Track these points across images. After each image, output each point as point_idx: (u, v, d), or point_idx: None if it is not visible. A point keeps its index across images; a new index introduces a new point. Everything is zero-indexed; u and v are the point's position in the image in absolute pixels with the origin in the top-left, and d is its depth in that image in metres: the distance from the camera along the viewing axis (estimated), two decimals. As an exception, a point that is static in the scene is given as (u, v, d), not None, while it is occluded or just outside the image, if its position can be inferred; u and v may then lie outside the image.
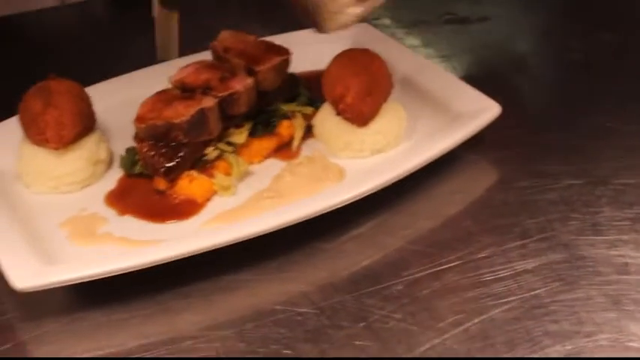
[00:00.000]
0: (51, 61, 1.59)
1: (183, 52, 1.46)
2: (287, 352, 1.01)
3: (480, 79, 1.37)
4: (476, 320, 1.03)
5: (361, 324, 1.03)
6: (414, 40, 1.60)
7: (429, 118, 1.31)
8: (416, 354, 0.99)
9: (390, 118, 1.28)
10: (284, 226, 1.13)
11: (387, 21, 1.67)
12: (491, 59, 1.55)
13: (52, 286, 1.07)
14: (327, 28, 1.15)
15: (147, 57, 1.49)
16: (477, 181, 1.26)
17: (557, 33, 1.62)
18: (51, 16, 1.79)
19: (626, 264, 1.10)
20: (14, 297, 1.08)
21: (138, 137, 1.24)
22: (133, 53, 1.61)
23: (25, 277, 1.06)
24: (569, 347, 0.99)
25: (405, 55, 1.42)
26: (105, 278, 1.07)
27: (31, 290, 1.06)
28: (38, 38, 1.74)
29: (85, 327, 1.07)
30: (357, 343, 1.01)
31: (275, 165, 1.29)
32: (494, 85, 1.40)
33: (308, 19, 1.17)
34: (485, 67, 1.52)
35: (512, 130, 1.32)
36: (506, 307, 1.04)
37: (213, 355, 1.01)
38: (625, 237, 1.13)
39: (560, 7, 1.72)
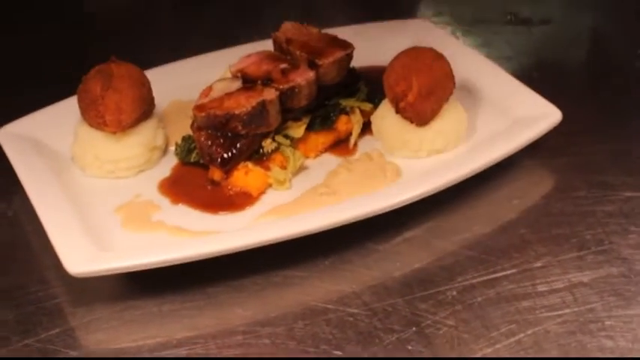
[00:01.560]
0: (113, 42, 1.60)
1: (243, 41, 1.47)
2: (337, 353, 1.01)
3: (541, 82, 1.37)
4: (529, 332, 1.03)
5: (413, 328, 1.04)
6: (474, 39, 1.60)
7: (488, 120, 1.32)
8: (468, 363, 1.00)
9: (451, 118, 1.28)
10: (339, 225, 1.13)
11: (447, 18, 1.67)
12: (552, 62, 1.54)
13: (105, 273, 1.09)
14: None
15: (208, 44, 1.50)
16: (534, 188, 1.26)
17: (620, 38, 1.61)
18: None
19: (686, 281, 1.09)
20: (66, 281, 1.10)
21: (196, 125, 1.26)
22: (195, 39, 1.61)
23: (79, 263, 1.09)
24: (625, 365, 0.99)
25: (465, 55, 1.43)
26: (157, 268, 1.08)
27: (84, 276, 1.08)
28: (101, 19, 1.76)
29: (136, 316, 1.09)
30: (409, 347, 1.01)
31: (330, 160, 1.30)
32: (556, 89, 1.39)
33: None
34: (546, 70, 1.51)
35: (572, 137, 1.32)
36: (560, 319, 1.04)
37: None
38: (687, 253, 1.13)
39: (626, 11, 1.70)
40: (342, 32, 1.39)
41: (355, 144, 1.32)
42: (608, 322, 1.04)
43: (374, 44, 1.44)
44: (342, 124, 1.32)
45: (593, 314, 1.05)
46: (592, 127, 1.37)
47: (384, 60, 1.32)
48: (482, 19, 1.67)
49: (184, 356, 1.03)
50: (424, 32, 1.48)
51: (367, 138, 1.33)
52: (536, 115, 1.28)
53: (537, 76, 1.47)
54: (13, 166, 1.25)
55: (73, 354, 1.04)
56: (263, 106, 1.22)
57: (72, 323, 1.08)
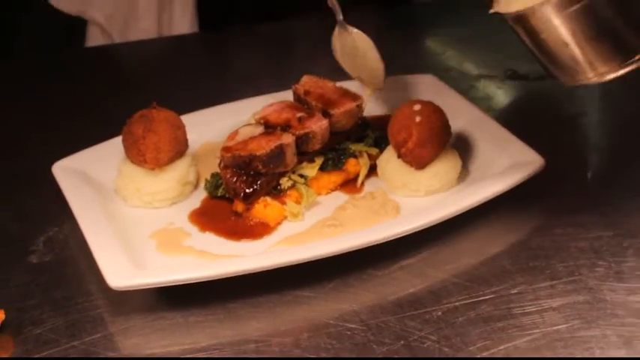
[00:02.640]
0: (150, 90, 1.71)
1: (267, 91, 1.58)
2: None
3: (531, 133, 1.45)
4: (501, 347, 1.13)
5: (401, 342, 1.14)
6: (476, 93, 1.68)
7: (480, 165, 1.41)
8: (446, 373, 1.11)
9: (446, 163, 1.37)
10: (343, 252, 1.24)
11: (454, 73, 1.76)
12: (544, 116, 1.63)
13: (140, 287, 1.19)
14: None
15: (235, 92, 1.62)
16: (518, 226, 1.35)
17: (611, 95, 1.69)
18: (150, 47, 1.94)
19: (642, 309, 1.18)
20: (107, 294, 1.21)
21: (223, 164, 1.34)
22: (222, 87, 1.73)
23: (119, 278, 1.18)
24: (581, 378, 1.10)
25: (464, 108, 1.52)
26: (185, 284, 1.20)
27: (123, 289, 1.19)
28: (138, 67, 1.88)
29: (166, 325, 1.18)
30: (396, 357, 1.13)
31: (340, 197, 1.39)
32: (544, 140, 1.47)
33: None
34: (537, 123, 1.60)
35: (556, 182, 1.41)
36: (529, 337, 1.14)
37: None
38: (645, 285, 1.22)
39: None
40: (356, 86, 1.49)
41: (362, 183, 1.41)
42: (570, 342, 1.13)
43: (384, 96, 1.55)
44: (351, 166, 1.41)
45: (558, 334, 1.15)
46: (574, 174, 1.46)
47: (391, 110, 1.42)
48: (485, 74, 1.76)
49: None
50: (429, 86, 1.58)
51: (373, 179, 1.42)
52: (522, 162, 1.37)
53: (528, 127, 1.53)
54: (65, 195, 1.35)
55: (112, 355, 1.14)
56: (281, 148, 1.32)
57: (111, 330, 1.18)
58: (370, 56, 1.46)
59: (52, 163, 1.42)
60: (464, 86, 1.68)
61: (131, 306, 1.22)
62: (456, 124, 1.46)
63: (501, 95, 1.72)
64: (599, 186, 1.44)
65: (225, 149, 1.35)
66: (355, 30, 1.47)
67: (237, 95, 1.60)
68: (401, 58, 1.82)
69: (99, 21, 2.00)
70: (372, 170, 1.44)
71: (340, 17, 1.45)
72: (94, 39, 2.03)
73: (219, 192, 1.38)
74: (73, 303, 1.23)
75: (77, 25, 2.02)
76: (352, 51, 1.48)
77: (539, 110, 1.67)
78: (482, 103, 1.60)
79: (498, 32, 1.86)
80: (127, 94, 1.72)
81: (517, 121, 1.60)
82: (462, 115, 1.50)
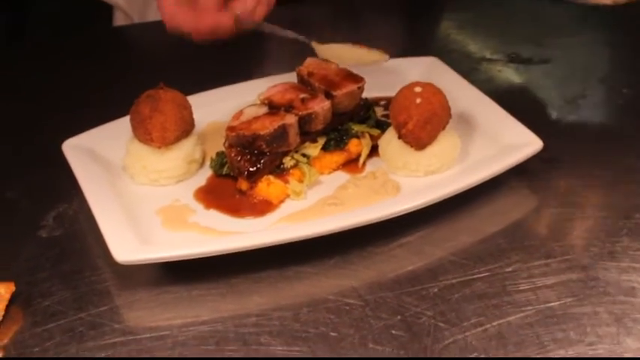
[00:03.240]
0: (159, 69, 1.74)
1: (272, 72, 1.61)
2: (333, 335, 1.16)
3: (531, 115, 1.48)
4: (494, 323, 1.17)
5: (398, 317, 1.18)
6: (479, 75, 1.71)
7: (480, 146, 1.44)
8: (440, 346, 1.14)
9: (445, 144, 1.40)
10: (343, 230, 1.27)
11: (457, 55, 1.79)
12: (545, 98, 1.66)
13: (146, 262, 1.23)
14: None
15: (241, 73, 1.65)
16: (516, 206, 1.38)
17: (612, 78, 1.72)
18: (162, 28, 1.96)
19: (633, 288, 1.21)
20: (114, 268, 1.25)
21: (227, 143, 1.38)
22: (229, 69, 1.75)
23: (125, 252, 1.22)
24: (571, 353, 1.13)
25: (465, 89, 1.55)
26: (189, 259, 1.23)
27: (129, 264, 1.22)
28: (149, 48, 1.91)
29: (170, 299, 1.22)
30: (393, 332, 1.16)
31: (341, 177, 1.42)
32: (543, 122, 1.54)
33: None
34: (538, 105, 1.63)
35: (554, 164, 1.44)
36: (522, 314, 1.18)
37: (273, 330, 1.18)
38: (637, 265, 1.25)
39: (622, 54, 1.83)
40: (361, 67, 1.50)
41: (364, 163, 1.44)
42: (562, 318, 1.17)
43: (388, 78, 1.57)
44: (353, 146, 1.44)
45: (551, 311, 1.18)
46: (572, 156, 1.48)
47: (395, 91, 1.44)
48: (488, 57, 1.79)
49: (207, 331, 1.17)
50: (432, 68, 1.61)
51: (374, 159, 1.45)
52: (520, 143, 1.40)
53: (529, 109, 1.57)
54: (74, 173, 1.38)
55: (117, 327, 1.18)
56: (284, 128, 1.35)
57: (117, 302, 1.22)
58: (356, 55, 1.49)
59: (63, 141, 1.46)
60: (467, 68, 1.70)
61: (137, 280, 1.26)
62: (458, 106, 1.48)
63: (503, 78, 1.74)
64: (595, 167, 1.47)
65: (230, 129, 1.37)
66: (326, 46, 1.52)
67: (243, 77, 1.64)
68: (405, 40, 1.87)
69: (120, 3, 2.02)
70: (374, 150, 1.47)
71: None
72: (119, 22, 2.06)
73: (224, 170, 1.41)
74: (81, 276, 1.26)
75: (104, 9, 2.04)
76: (336, 58, 1.51)
77: (541, 92, 1.70)
78: (485, 85, 1.62)
79: (502, 16, 1.93)
80: (137, 74, 1.75)
81: (518, 103, 1.62)
82: (463, 97, 1.53)
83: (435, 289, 1.23)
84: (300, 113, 1.39)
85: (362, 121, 1.49)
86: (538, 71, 1.75)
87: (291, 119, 1.38)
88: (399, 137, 1.40)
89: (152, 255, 1.24)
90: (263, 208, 1.37)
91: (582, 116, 1.62)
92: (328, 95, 1.43)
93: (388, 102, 1.49)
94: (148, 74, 1.60)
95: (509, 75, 1.75)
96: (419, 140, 1.39)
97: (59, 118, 1.61)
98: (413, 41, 1.87)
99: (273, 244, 1.25)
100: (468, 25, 1.95)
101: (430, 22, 2.00)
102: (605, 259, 1.27)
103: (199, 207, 1.37)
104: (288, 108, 1.40)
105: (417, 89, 1.41)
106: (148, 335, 1.18)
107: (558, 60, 1.79)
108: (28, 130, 1.62)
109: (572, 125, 1.60)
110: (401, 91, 1.43)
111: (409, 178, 1.41)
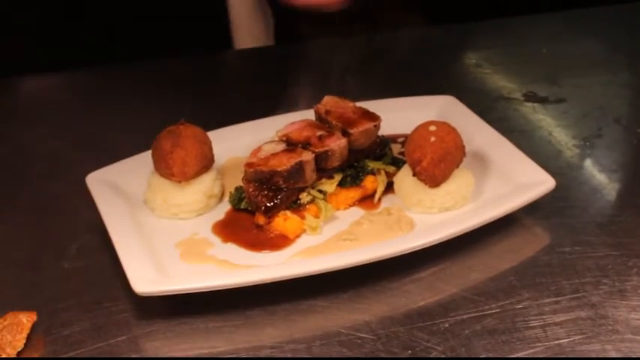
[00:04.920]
0: (181, 105, 1.76)
1: (290, 109, 1.64)
2: None
3: (546, 154, 1.52)
4: None
5: (409, 351, 1.20)
6: (495, 114, 1.73)
7: (494, 185, 1.46)
8: (449, 382, 1.17)
9: (459, 182, 1.42)
10: (357, 265, 1.30)
11: (474, 93, 1.82)
12: (560, 137, 1.68)
13: (164, 294, 1.26)
14: None
15: (260, 109, 1.67)
16: (528, 244, 1.40)
17: (627, 118, 1.74)
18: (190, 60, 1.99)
19: (642, 327, 1.23)
20: (133, 299, 1.27)
21: (246, 179, 1.40)
22: (248, 105, 1.77)
23: (144, 284, 1.25)
24: (579, 388, 1.15)
25: (481, 128, 1.57)
26: (206, 292, 1.26)
27: (147, 295, 1.25)
28: (173, 82, 1.92)
29: (186, 329, 1.25)
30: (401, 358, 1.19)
31: (357, 213, 1.44)
32: (558, 160, 1.56)
33: None
34: (553, 143, 1.65)
35: (566, 203, 1.47)
36: (531, 350, 1.20)
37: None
38: (646, 304, 1.26)
39: (638, 94, 1.85)
40: (377, 105, 1.53)
41: (379, 200, 1.46)
42: (570, 355, 1.18)
43: (404, 116, 1.59)
44: (369, 182, 1.46)
45: (560, 348, 1.20)
46: (585, 195, 1.50)
47: (412, 129, 1.46)
48: (504, 96, 1.82)
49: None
50: (448, 107, 1.64)
51: (390, 195, 1.47)
52: (533, 182, 1.42)
53: (543, 149, 1.61)
54: (96, 205, 1.41)
55: (135, 356, 1.20)
56: (300, 165, 1.38)
57: (135, 333, 1.24)
58: None
59: (87, 174, 1.48)
60: (483, 107, 1.72)
61: (155, 311, 1.28)
62: (473, 145, 1.52)
63: (519, 116, 1.77)
64: (608, 207, 1.50)
65: (248, 164, 1.40)
66: None
67: (261, 114, 1.66)
68: (425, 79, 1.89)
69: None
70: (390, 187, 1.49)
71: None
72: None
73: (242, 205, 1.44)
74: (101, 307, 1.29)
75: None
76: None
77: (556, 131, 1.71)
78: (501, 123, 1.65)
79: (519, 55, 1.95)
80: (160, 107, 1.77)
81: (533, 141, 1.66)
82: (478, 136, 1.55)
83: (446, 325, 1.25)
84: (317, 150, 1.42)
85: (378, 158, 1.52)
86: (554, 110, 1.78)
87: (307, 156, 1.41)
88: (414, 175, 1.43)
89: (170, 287, 1.26)
90: (279, 242, 1.39)
91: (597, 155, 1.64)
92: (345, 133, 1.46)
93: (406, 139, 1.51)
94: (171, 108, 1.65)
95: (525, 114, 1.77)
96: (433, 178, 1.42)
97: (83, 152, 1.64)
98: (431, 80, 1.90)
99: (289, 278, 1.27)
100: (485, 64, 1.98)
101: (448, 61, 2.03)
102: (615, 297, 1.29)
103: (217, 240, 1.39)
104: (306, 145, 1.43)
105: (432, 128, 1.44)
106: (164, 365, 1.20)
107: (574, 99, 1.81)
108: (54, 165, 1.65)
109: (587, 164, 1.62)
110: (416, 129, 1.46)
111: (424, 215, 1.43)
